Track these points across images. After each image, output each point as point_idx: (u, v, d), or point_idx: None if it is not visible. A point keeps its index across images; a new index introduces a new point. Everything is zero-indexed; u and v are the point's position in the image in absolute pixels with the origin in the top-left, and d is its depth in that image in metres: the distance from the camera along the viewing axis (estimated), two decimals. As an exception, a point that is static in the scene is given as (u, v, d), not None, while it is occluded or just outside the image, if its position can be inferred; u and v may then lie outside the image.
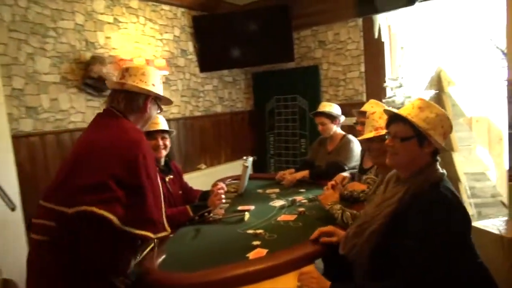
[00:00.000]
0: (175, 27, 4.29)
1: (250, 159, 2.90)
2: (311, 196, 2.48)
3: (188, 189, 2.66)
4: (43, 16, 3.17)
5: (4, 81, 2.86)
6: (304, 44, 4.73)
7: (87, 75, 3.34)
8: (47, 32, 3.20)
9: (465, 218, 1.25)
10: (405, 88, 3.72)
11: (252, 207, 2.38)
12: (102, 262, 1.45)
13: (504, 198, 2.83)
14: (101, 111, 1.72)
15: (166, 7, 4.18)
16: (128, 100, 1.68)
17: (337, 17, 4.38)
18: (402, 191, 1.29)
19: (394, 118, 1.36)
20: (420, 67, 3.80)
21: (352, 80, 4.42)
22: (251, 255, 1.65)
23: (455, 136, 2.74)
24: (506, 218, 2.45)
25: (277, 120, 4.99)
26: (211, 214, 2.26)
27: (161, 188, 1.64)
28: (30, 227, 1.53)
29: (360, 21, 4.26)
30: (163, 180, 2.37)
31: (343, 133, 3.09)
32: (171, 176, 2.48)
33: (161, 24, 4.12)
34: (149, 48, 3.97)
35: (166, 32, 4.19)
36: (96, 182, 1.43)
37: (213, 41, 4.54)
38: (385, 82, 4.13)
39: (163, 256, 1.69)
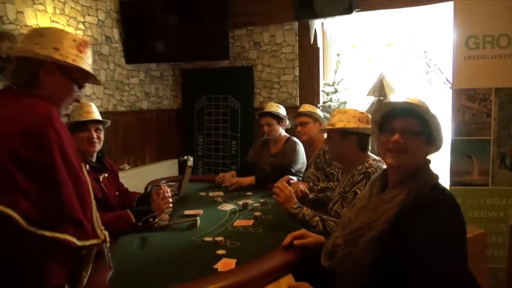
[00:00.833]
0: (99, 10, 3.82)
1: (191, 159, 2.66)
2: (261, 200, 2.34)
3: (124, 191, 2.33)
4: None
5: None
6: (238, 43, 4.59)
7: (-8, 54, 2.76)
8: None
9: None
10: (340, 94, 3.80)
11: (201, 212, 2.15)
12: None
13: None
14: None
15: (90, -13, 3.71)
16: (17, 71, 1.24)
17: (274, 19, 4.33)
18: (403, 193, 1.19)
19: (403, 112, 1.23)
20: (356, 74, 3.93)
21: (286, 83, 4.41)
22: (220, 266, 1.44)
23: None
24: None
25: (207, 120, 4.76)
26: (157, 220, 1.98)
27: (90, 185, 1.24)
28: None
29: (296, 25, 4.27)
30: (96, 179, 2.03)
31: (287, 135, 3.01)
32: (106, 175, 2.14)
33: (83, 5, 3.63)
34: (68, 30, 3.46)
35: (89, 15, 3.71)
36: None
37: (142, 31, 4.14)
38: (319, 87, 4.19)
39: (111, 272, 1.39)
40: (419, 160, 1.24)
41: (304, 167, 2.91)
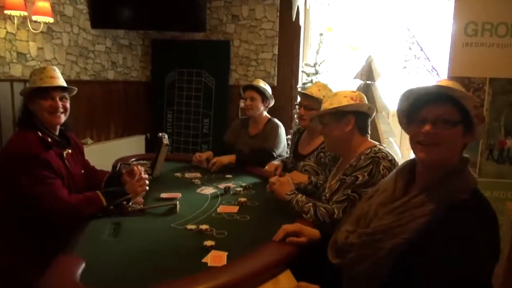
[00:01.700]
0: (63, -35, 3.43)
1: (166, 136, 2.44)
2: (243, 184, 2.17)
3: (91, 169, 2.08)
4: None
5: None
6: (215, 15, 4.32)
7: None
8: None
9: None
10: (321, 76, 3.67)
11: (179, 195, 1.96)
12: None
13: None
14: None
15: None
16: None
17: (255, -9, 4.10)
18: (435, 200, 1.01)
19: (434, 98, 1.05)
20: (339, 55, 3.80)
21: (264, 61, 4.21)
22: (209, 260, 1.27)
23: (381, 128, 2.77)
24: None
25: (178, 96, 4.49)
26: (130, 203, 1.77)
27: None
28: None
29: (277, 0, 4.06)
30: (59, 155, 1.77)
31: (269, 116, 2.84)
32: (70, 151, 1.87)
33: (45, -42, 3.22)
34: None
35: (51, -30, 3.30)
36: None
37: (110, -7, 3.79)
38: (298, 67, 4.04)
39: (82, 265, 1.19)
40: (455, 155, 1.07)
41: (285, 151, 2.76)
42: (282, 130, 2.73)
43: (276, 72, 4.17)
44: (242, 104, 4.25)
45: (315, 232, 1.41)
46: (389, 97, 3.09)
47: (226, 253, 1.32)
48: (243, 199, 1.88)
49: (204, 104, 4.40)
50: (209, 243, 1.38)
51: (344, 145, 1.71)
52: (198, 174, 2.42)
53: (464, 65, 2.22)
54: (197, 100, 4.42)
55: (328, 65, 3.72)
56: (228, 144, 2.91)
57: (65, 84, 1.84)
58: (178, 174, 2.41)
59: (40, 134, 1.69)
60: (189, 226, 1.55)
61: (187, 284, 1.07)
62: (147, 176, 1.87)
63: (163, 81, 4.52)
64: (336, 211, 1.57)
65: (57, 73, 1.83)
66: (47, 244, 1.60)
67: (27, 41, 3.10)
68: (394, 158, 1.63)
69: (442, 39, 2.88)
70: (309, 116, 2.12)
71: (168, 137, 4.60)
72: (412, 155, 1.17)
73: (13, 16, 2.95)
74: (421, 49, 2.85)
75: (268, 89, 2.75)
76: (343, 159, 1.76)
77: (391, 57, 3.24)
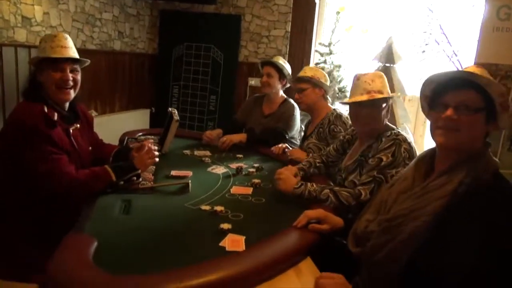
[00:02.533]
0: None
1: (176, 112, 2.35)
2: (255, 165, 2.10)
3: (99, 143, 2.00)
4: None
5: None
6: (227, -13, 4.15)
7: None
8: None
9: None
10: (336, 56, 3.55)
11: (190, 173, 1.89)
12: None
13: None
14: None
15: None
16: None
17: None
18: (455, 180, 0.99)
19: (459, 84, 1.02)
20: (355, 36, 3.67)
21: (276, 38, 4.08)
22: (227, 245, 1.21)
23: (398, 113, 2.68)
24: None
25: (185, 70, 4.36)
26: (140, 179, 1.70)
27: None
28: None
29: (293, -26, 3.90)
30: (65, 131, 1.66)
31: (285, 96, 2.74)
32: (78, 125, 1.78)
33: None
34: None
35: None
36: None
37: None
38: (311, 46, 3.91)
39: (95, 244, 1.12)
40: (476, 141, 1.03)
41: (297, 134, 2.68)
42: (297, 111, 2.64)
43: (287, 50, 4.04)
44: (252, 82, 4.15)
45: (339, 221, 1.35)
46: (406, 82, 2.99)
47: (243, 237, 1.25)
48: (256, 181, 1.82)
49: (212, 81, 4.28)
50: (225, 226, 1.31)
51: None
52: (208, 153, 2.35)
53: (493, 50, 2.12)
54: (205, 76, 4.30)
55: (343, 46, 3.60)
56: (239, 122, 2.83)
57: (77, 55, 1.72)
58: (187, 152, 2.34)
59: (46, 108, 1.56)
60: (203, 207, 1.49)
61: (208, 270, 1.00)
62: (156, 147, 1.79)
63: (170, 55, 4.38)
64: (363, 192, 1.55)
65: (69, 41, 1.71)
66: (52, 224, 1.53)
67: (33, 5, 2.96)
68: (411, 142, 1.67)
69: (465, 24, 2.76)
70: (303, 99, 2.31)
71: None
72: (424, 143, 1.13)
73: (18, -22, 2.80)
74: (443, 33, 2.73)
75: (287, 67, 2.65)
76: (360, 141, 1.78)
77: (410, 40, 3.11)
